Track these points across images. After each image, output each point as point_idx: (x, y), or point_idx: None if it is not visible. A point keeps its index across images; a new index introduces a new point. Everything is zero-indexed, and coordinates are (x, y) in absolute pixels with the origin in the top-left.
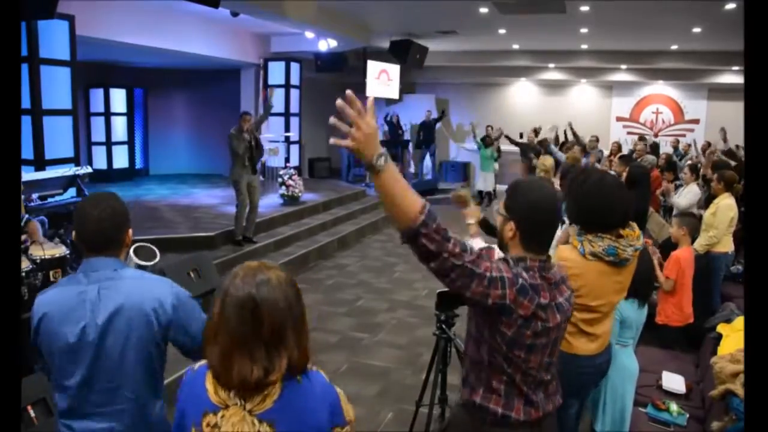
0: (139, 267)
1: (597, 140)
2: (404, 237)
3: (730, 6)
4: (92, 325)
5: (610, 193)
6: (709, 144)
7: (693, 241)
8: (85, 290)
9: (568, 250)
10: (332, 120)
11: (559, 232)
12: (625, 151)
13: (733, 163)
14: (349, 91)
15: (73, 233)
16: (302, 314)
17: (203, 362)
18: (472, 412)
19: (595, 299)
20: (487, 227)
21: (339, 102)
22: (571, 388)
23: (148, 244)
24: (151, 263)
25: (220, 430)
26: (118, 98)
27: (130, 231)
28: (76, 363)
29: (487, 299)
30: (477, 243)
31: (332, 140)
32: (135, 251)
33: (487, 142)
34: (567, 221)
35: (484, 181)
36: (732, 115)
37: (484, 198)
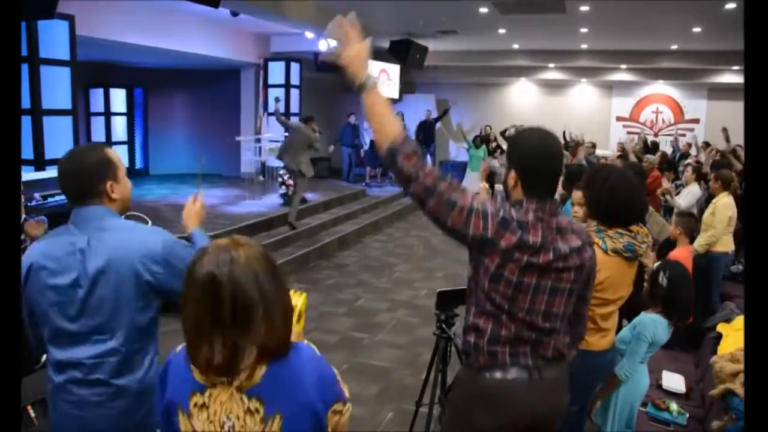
0: None
1: (594, 146)
2: (386, 156)
3: (730, 6)
4: (83, 276)
5: (633, 188)
6: (707, 144)
7: (692, 240)
8: (75, 240)
9: None
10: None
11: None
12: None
13: (739, 165)
14: (338, 16)
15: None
16: (277, 292)
17: (182, 345)
18: (467, 361)
19: (614, 293)
20: None
21: (329, 26)
22: (579, 384)
23: (140, 214)
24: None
25: (209, 410)
26: (118, 98)
27: (112, 184)
28: (67, 315)
29: (468, 229)
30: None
31: (324, 56)
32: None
33: (476, 143)
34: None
35: (473, 182)
36: (732, 115)
37: None
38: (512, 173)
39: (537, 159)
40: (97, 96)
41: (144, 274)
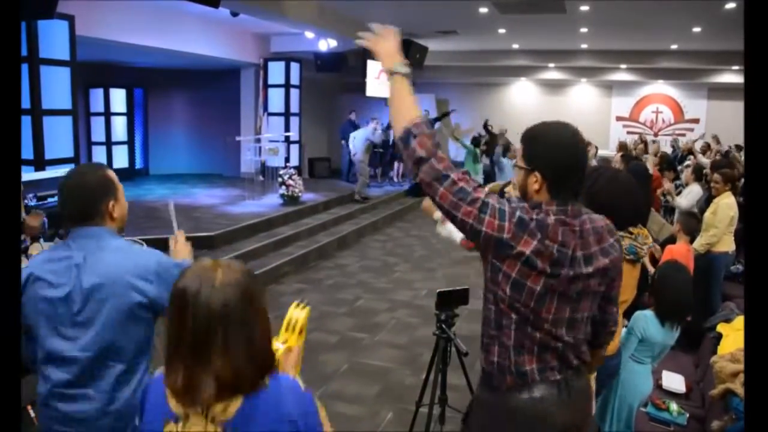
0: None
1: (596, 149)
2: (401, 137)
3: (730, 5)
4: (77, 291)
5: (623, 190)
6: (708, 146)
7: (693, 240)
8: (71, 256)
9: None
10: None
11: None
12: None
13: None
14: (376, 25)
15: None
16: (250, 320)
17: (160, 369)
18: (490, 382)
19: (620, 297)
20: None
21: (362, 35)
22: None
23: (137, 240)
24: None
25: None
26: (118, 98)
27: (113, 203)
28: (57, 329)
29: (481, 226)
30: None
31: (359, 41)
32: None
33: (474, 141)
34: None
35: None
36: (732, 115)
37: None
38: (535, 175)
39: (563, 157)
40: (97, 96)
41: (136, 293)
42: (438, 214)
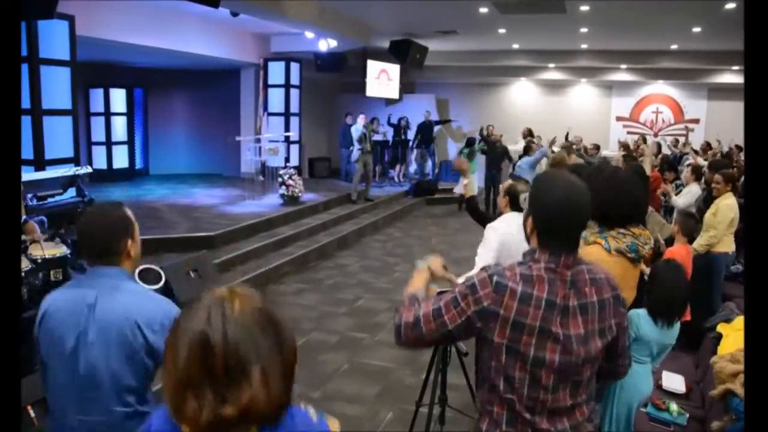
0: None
1: (597, 148)
2: (396, 311)
3: (730, 5)
4: (85, 333)
5: (622, 187)
6: (708, 144)
7: (692, 240)
8: (85, 294)
9: (593, 248)
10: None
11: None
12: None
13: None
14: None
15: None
16: (276, 348)
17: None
18: None
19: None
20: (473, 211)
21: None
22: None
23: (155, 267)
24: (155, 287)
25: None
26: (118, 98)
27: (131, 242)
28: (65, 368)
29: (465, 315)
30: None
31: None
32: (140, 274)
33: (469, 141)
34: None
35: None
36: (732, 115)
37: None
38: (530, 221)
39: (556, 215)
40: (97, 96)
41: (141, 338)
42: (464, 181)
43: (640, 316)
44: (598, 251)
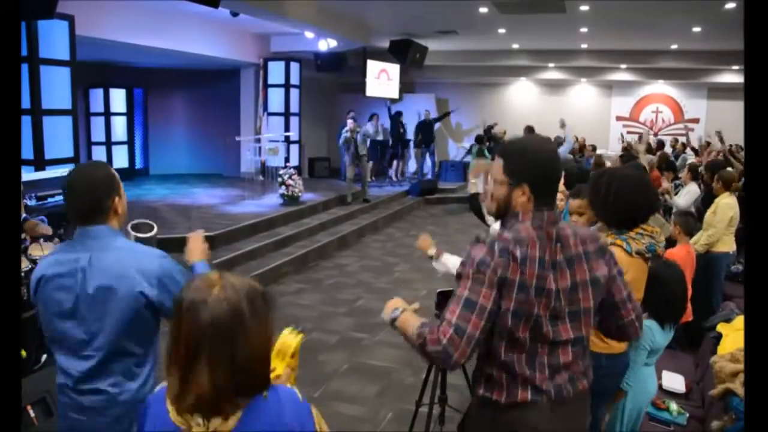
0: (138, 240)
1: (593, 149)
2: (419, 353)
3: (730, 5)
4: (83, 295)
5: (638, 187)
6: (708, 144)
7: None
8: (78, 257)
9: (615, 249)
10: None
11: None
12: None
13: (739, 166)
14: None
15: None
16: (238, 339)
17: (164, 383)
18: (484, 398)
19: (637, 294)
20: (477, 210)
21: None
22: (605, 389)
23: (144, 220)
24: (149, 235)
25: None
26: (118, 98)
27: (118, 199)
28: (68, 325)
29: (492, 292)
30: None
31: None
32: (134, 227)
33: (478, 138)
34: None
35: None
36: (732, 115)
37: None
38: (523, 188)
39: (549, 170)
40: (96, 96)
41: (140, 293)
42: (432, 250)
43: (652, 330)
44: (619, 252)
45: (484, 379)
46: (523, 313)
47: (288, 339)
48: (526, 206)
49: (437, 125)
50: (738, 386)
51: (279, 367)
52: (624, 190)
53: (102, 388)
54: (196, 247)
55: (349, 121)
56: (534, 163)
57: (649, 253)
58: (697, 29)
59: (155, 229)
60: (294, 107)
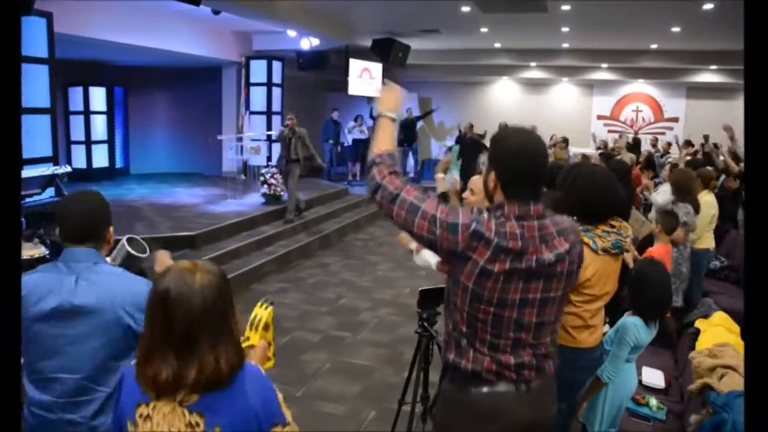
0: (131, 257)
1: (565, 142)
2: (368, 165)
3: (708, 6)
4: (65, 312)
5: (599, 185)
6: (688, 143)
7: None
8: (63, 279)
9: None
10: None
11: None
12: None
13: (720, 164)
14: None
15: (57, 229)
16: (225, 321)
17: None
18: (451, 375)
19: (602, 288)
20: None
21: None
22: (570, 382)
23: (140, 239)
24: (143, 255)
25: (152, 421)
26: (98, 97)
27: (111, 229)
28: (44, 351)
29: (434, 237)
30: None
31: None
32: (128, 241)
33: (458, 139)
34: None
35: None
36: (710, 114)
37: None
38: (492, 175)
39: (519, 159)
40: (76, 94)
41: (127, 319)
42: (413, 244)
43: (637, 326)
44: (585, 250)
45: (454, 344)
46: (481, 295)
47: (259, 312)
48: (496, 194)
49: (419, 124)
50: (715, 381)
51: (253, 338)
52: (585, 186)
53: (77, 420)
54: (165, 259)
55: (292, 117)
56: (506, 152)
57: (616, 249)
58: (676, 29)
59: (148, 252)
60: (276, 106)
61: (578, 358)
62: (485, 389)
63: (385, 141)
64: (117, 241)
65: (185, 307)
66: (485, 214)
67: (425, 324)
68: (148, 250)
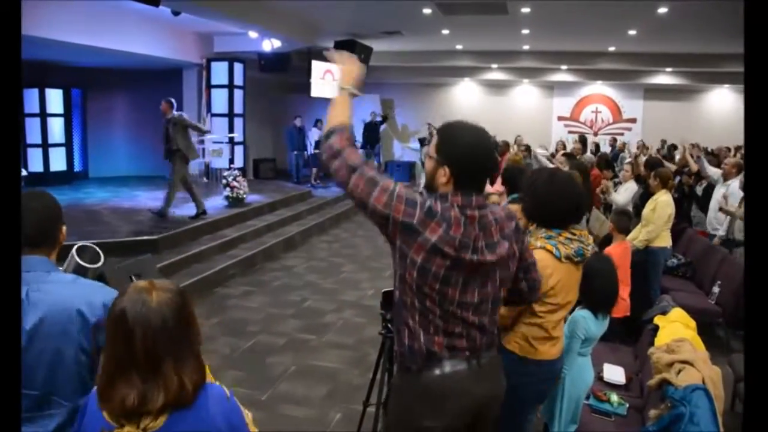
0: (82, 268)
1: (528, 150)
2: (325, 136)
3: (663, 10)
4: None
5: (560, 189)
6: (644, 145)
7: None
8: None
9: (541, 253)
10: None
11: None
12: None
13: (672, 167)
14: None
15: None
16: (187, 341)
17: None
18: (401, 366)
19: (564, 297)
20: None
21: (333, 54)
22: (534, 395)
23: (92, 245)
24: (95, 266)
25: None
26: (55, 99)
27: (64, 228)
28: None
29: (390, 210)
30: None
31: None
32: (78, 251)
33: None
34: None
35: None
36: (666, 115)
37: None
38: (445, 170)
39: (475, 158)
40: (31, 96)
41: (89, 317)
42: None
43: (586, 319)
44: (548, 257)
45: (407, 329)
46: (429, 270)
47: None
48: (445, 188)
49: (383, 127)
50: (673, 376)
51: None
52: (545, 189)
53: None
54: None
55: (184, 114)
56: (460, 148)
57: (578, 257)
58: (632, 32)
59: (102, 260)
60: (238, 108)
61: (541, 371)
62: (437, 372)
63: (342, 113)
64: (71, 246)
65: (144, 326)
66: (432, 198)
67: (389, 325)
68: (101, 256)
